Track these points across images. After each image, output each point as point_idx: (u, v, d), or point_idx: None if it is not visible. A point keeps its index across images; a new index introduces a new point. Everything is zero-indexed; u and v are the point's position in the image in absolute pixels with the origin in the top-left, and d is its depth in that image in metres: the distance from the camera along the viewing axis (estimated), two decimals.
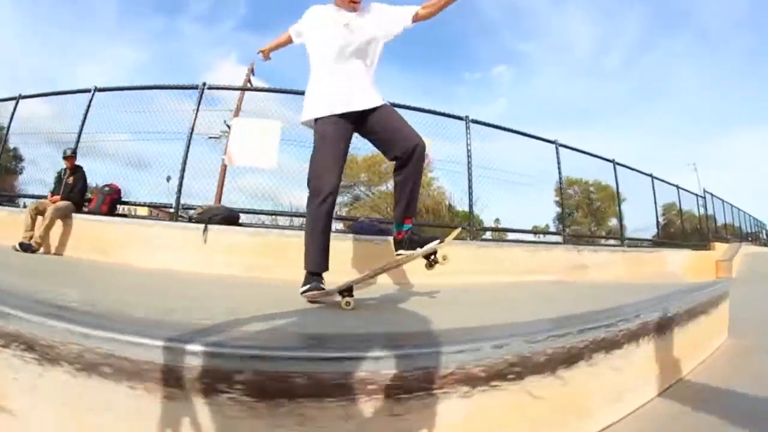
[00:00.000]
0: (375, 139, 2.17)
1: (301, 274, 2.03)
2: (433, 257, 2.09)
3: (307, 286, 1.95)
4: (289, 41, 2.45)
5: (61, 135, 6.20)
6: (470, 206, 5.81)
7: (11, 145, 7.16)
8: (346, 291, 1.93)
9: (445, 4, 2.16)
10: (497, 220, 9.13)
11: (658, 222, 10.73)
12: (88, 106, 5.86)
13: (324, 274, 2.04)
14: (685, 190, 11.32)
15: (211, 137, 5.96)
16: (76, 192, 4.84)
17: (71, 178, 4.91)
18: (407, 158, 2.06)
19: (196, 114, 5.39)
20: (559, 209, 12.03)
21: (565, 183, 11.28)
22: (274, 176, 5.57)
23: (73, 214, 4.52)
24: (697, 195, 12.24)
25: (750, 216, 20.78)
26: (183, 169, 5.15)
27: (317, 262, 2.01)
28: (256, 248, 3.69)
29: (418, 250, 2.07)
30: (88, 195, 5.23)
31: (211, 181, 5.62)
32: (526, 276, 4.13)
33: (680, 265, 8.12)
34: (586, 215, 11.41)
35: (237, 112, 6.38)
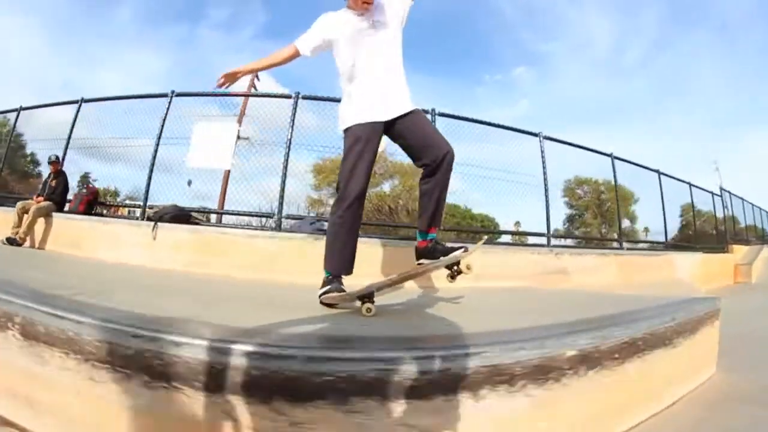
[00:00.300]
0: (404, 144, 2.15)
1: (236, 270, 2.46)
2: (456, 267, 2.06)
3: (327, 287, 1.97)
4: (289, 58, 2.24)
5: (81, 141, 6.53)
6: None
7: (28, 150, 7.74)
8: (367, 297, 1.86)
9: None
10: (518, 223, 8.50)
11: (665, 222, 9.84)
12: (75, 117, 6.23)
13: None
14: (697, 187, 10.38)
15: None
16: (57, 194, 5.34)
17: (54, 181, 5.42)
18: (436, 166, 2.03)
19: (164, 120, 5.57)
20: (569, 210, 11.38)
21: (574, 182, 10.63)
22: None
23: (54, 213, 5.00)
24: (712, 193, 11.25)
25: None
26: (151, 171, 5.45)
27: (340, 265, 2.03)
28: (195, 245, 3.84)
29: (442, 259, 2.04)
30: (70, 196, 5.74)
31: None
32: (481, 282, 3.19)
33: (690, 270, 7.31)
34: (595, 216, 10.60)
35: (241, 118, 6.39)
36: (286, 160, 5.00)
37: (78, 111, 6.24)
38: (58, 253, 4.42)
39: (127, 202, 7.15)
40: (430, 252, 2.09)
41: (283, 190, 4.92)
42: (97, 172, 7.04)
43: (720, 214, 11.80)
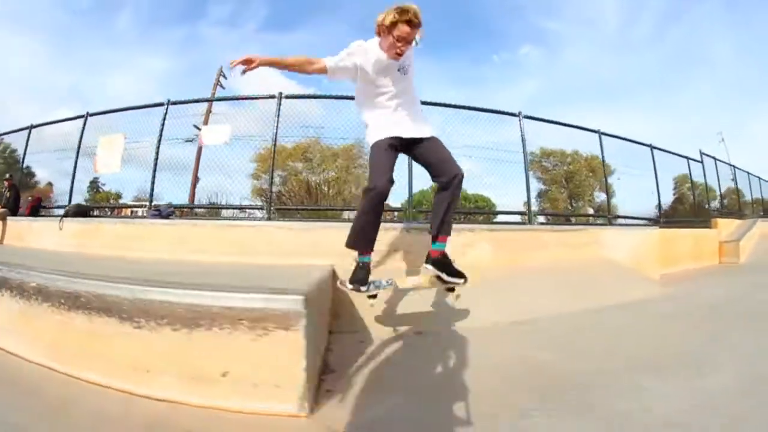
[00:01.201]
0: (425, 163, 2.53)
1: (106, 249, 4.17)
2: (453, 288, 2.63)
3: (354, 282, 2.43)
4: (313, 70, 2.44)
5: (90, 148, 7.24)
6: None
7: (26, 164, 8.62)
8: (374, 296, 2.52)
9: None
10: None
11: (659, 196, 9.22)
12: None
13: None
14: (670, 152, 9.42)
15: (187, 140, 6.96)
16: (10, 202, 7.03)
17: (9, 193, 7.18)
18: (448, 183, 2.42)
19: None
20: (541, 186, 10.75)
21: (540, 154, 10.01)
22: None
23: (9, 217, 6.44)
24: (688, 158, 10.19)
25: None
26: (74, 173, 6.91)
27: (366, 244, 2.44)
28: (81, 232, 4.95)
29: (445, 276, 2.50)
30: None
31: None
32: (292, 259, 3.57)
33: (636, 249, 6.62)
34: (561, 190, 9.94)
35: (206, 120, 7.16)
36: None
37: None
38: (10, 246, 5.89)
39: (130, 202, 8.50)
40: (440, 265, 2.52)
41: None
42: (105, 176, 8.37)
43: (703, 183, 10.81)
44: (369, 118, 2.52)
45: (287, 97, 5.98)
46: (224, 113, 6.78)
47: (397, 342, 2.80)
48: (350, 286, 2.42)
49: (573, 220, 9.99)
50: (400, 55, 2.33)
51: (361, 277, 2.41)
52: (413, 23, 2.26)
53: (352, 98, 6.39)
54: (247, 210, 7.44)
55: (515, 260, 4.73)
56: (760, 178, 14.78)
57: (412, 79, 2.50)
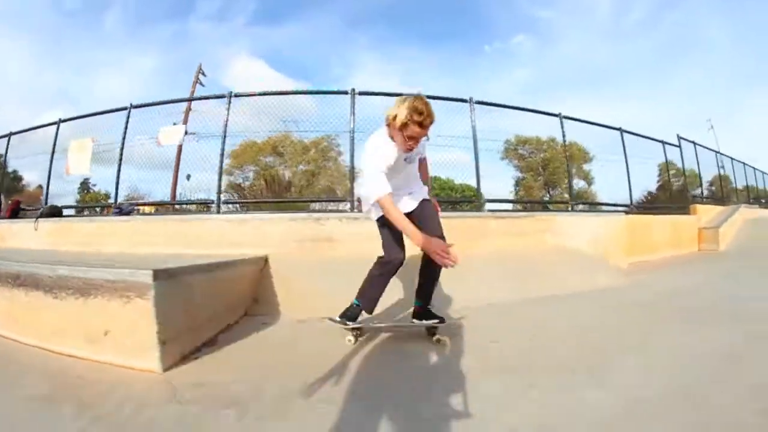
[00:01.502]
0: (415, 224, 2.53)
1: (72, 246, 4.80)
2: (435, 333, 2.72)
3: (344, 317, 2.68)
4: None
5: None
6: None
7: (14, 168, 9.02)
8: (357, 335, 2.69)
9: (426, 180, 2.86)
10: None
11: (629, 181, 9.22)
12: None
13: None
14: (641, 135, 9.30)
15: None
16: None
17: None
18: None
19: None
20: (519, 174, 10.85)
21: (516, 142, 10.11)
22: None
23: None
24: (663, 142, 9.98)
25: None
26: (49, 175, 7.29)
27: (370, 304, 2.68)
28: (54, 231, 5.45)
29: (424, 322, 2.70)
30: None
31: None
32: (236, 249, 3.92)
33: (594, 236, 6.61)
34: (536, 178, 10.00)
35: (186, 118, 7.28)
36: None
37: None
38: None
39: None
40: (424, 316, 2.71)
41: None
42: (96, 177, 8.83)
43: (688, 169, 10.75)
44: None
45: (236, 95, 6.11)
46: (207, 111, 6.79)
47: (298, 326, 3.07)
48: (338, 320, 2.65)
49: (550, 207, 10.06)
50: (410, 149, 2.39)
51: (350, 315, 2.66)
52: (425, 125, 2.27)
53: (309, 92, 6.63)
54: (227, 204, 7.69)
55: (463, 249, 4.92)
56: (744, 164, 14.58)
57: (417, 163, 2.67)
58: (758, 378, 1.90)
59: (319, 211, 7.23)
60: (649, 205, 10.05)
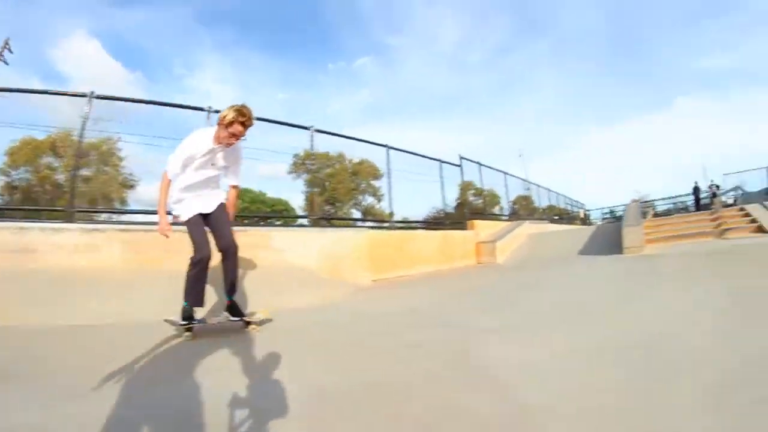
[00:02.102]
0: (211, 230, 3.14)
1: None
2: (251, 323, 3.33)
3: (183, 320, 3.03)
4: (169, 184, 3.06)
5: None
6: None
7: None
8: (190, 330, 3.08)
9: (233, 207, 3.39)
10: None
11: (390, 198, 9.12)
12: None
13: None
14: (417, 154, 9.46)
15: None
16: None
17: None
18: (226, 253, 3.12)
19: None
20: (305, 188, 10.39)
21: (304, 156, 9.70)
22: None
23: None
24: (440, 161, 10.09)
25: (561, 195, 19.86)
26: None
27: (195, 300, 3.06)
28: None
29: (231, 317, 3.25)
30: None
31: None
32: None
33: (325, 251, 6.28)
34: (321, 193, 9.64)
35: None
36: None
37: None
38: None
39: None
40: (231, 310, 3.25)
41: None
42: None
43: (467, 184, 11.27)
44: (180, 196, 3.06)
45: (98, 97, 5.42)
46: None
47: None
48: (172, 320, 3.02)
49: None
50: (230, 145, 2.96)
51: (185, 315, 3.01)
52: (246, 125, 2.91)
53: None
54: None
55: (143, 262, 4.50)
56: (549, 189, 16.21)
57: (222, 173, 3.18)
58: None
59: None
60: (420, 222, 10.17)
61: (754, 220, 9.31)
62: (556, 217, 17.06)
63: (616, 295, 4.36)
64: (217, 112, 5.80)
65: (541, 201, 15.81)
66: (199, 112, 5.94)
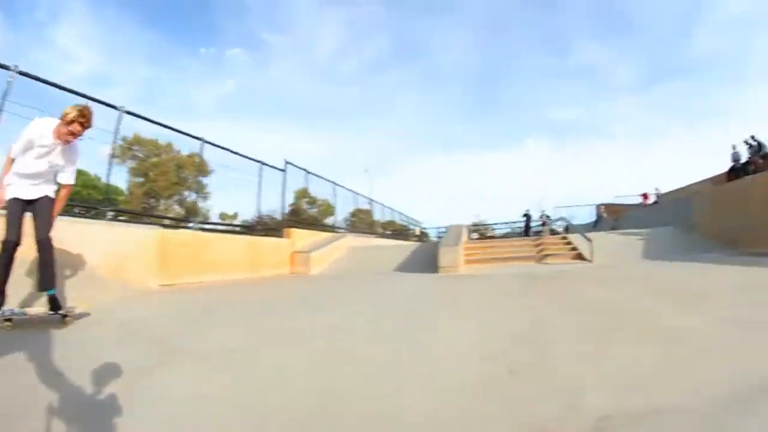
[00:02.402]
0: (32, 218, 3.31)
1: None
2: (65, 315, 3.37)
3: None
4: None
5: None
6: None
7: None
8: (9, 320, 3.09)
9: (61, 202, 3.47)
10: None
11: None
12: None
13: None
14: (228, 150, 9.73)
15: None
16: None
17: None
18: (38, 245, 3.22)
19: None
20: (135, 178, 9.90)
21: (134, 140, 9.21)
22: None
23: None
24: (262, 163, 10.43)
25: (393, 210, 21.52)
26: None
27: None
28: None
29: (49, 310, 3.30)
30: None
31: None
32: None
33: (112, 250, 5.96)
34: (143, 184, 9.30)
35: None
36: None
37: None
38: None
39: None
40: (51, 303, 3.32)
41: None
42: None
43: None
44: (10, 180, 3.23)
45: None
46: None
47: None
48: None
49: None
50: (68, 142, 3.19)
51: None
52: (85, 126, 3.18)
53: None
54: None
55: None
56: (392, 207, 17.85)
57: (56, 169, 3.29)
58: None
59: None
60: (224, 224, 10.42)
61: (574, 248, 10.84)
62: (390, 233, 18.63)
63: (385, 316, 4.36)
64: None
65: (385, 215, 17.12)
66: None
